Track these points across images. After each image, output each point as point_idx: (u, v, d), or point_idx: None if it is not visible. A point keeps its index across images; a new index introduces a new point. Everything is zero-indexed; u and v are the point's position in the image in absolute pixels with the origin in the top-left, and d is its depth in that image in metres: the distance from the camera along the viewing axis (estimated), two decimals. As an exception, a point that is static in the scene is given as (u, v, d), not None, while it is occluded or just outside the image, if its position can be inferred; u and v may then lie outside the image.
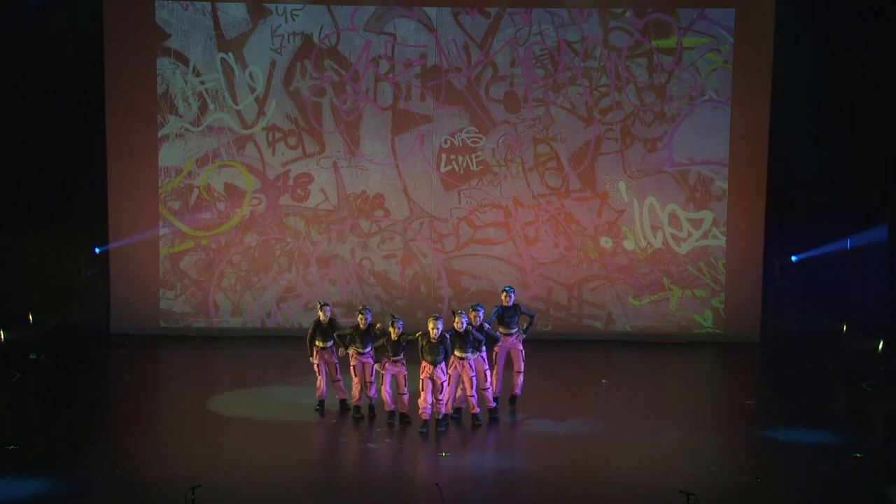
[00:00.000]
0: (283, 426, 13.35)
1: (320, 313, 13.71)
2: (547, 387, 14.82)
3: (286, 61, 17.76)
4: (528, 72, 17.79)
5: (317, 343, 13.74)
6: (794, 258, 17.49)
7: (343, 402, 13.81)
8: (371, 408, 13.55)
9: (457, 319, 13.18)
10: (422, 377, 13.04)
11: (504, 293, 14.00)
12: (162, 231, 18.01)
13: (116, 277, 18.01)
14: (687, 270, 18.07)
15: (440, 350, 13.00)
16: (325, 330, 13.72)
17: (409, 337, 13.16)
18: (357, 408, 13.59)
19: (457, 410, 13.53)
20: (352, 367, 13.51)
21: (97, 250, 17.57)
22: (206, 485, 10.40)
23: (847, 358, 16.83)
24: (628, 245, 18.07)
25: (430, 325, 12.98)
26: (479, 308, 13.47)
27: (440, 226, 18.08)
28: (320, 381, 13.81)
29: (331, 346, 13.72)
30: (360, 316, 13.44)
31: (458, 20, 17.71)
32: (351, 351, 13.48)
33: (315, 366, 13.78)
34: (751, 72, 17.61)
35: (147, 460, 12.02)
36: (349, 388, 13.71)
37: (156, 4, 17.62)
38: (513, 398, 14.16)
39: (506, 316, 13.95)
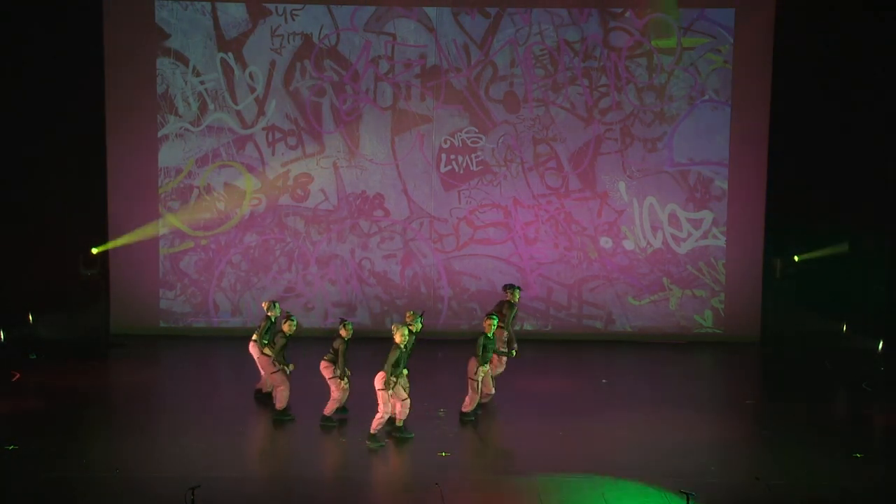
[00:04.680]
0: (282, 426, 13.34)
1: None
2: (547, 387, 14.80)
3: (286, 61, 17.76)
4: (527, 72, 17.78)
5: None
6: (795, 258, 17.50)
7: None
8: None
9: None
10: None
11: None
12: (162, 231, 18.03)
13: (116, 277, 18.00)
14: (687, 270, 18.06)
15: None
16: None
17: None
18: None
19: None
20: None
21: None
22: (205, 485, 10.40)
23: (847, 358, 16.83)
24: (628, 245, 18.06)
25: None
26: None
27: (440, 226, 18.07)
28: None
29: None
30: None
31: (458, 20, 17.70)
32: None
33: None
34: (751, 72, 17.61)
35: (147, 460, 12.01)
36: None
37: (156, 4, 17.62)
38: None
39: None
